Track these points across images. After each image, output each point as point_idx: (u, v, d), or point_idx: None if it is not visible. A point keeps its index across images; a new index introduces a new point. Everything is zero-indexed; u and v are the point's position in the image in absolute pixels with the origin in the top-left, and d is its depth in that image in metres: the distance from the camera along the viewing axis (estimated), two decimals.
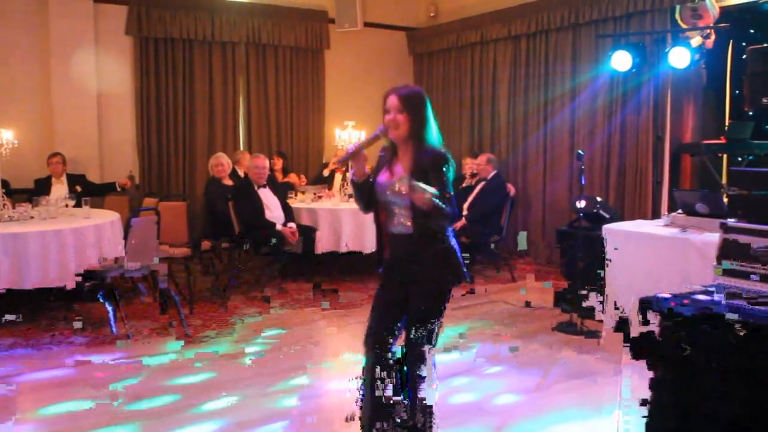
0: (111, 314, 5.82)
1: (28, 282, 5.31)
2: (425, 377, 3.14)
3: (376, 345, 3.17)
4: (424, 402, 3.15)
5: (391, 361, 3.18)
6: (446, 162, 3.04)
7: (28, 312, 5.92)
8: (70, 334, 5.40)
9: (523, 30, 8.69)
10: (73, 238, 5.53)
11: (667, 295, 2.92)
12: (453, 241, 3.13)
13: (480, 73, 9.55)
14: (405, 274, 3.13)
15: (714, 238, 3.09)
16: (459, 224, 7.38)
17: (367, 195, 3.20)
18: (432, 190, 2.91)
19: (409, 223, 3.07)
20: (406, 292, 3.14)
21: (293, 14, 9.42)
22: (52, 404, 4.04)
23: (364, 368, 3.22)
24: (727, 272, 2.74)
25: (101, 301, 6.17)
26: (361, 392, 3.22)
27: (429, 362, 3.15)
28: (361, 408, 3.23)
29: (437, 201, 2.92)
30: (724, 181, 6.98)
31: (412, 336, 3.12)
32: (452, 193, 3.04)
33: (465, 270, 3.14)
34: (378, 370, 3.15)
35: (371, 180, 3.18)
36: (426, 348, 3.12)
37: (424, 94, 3.12)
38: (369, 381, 3.18)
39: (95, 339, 5.31)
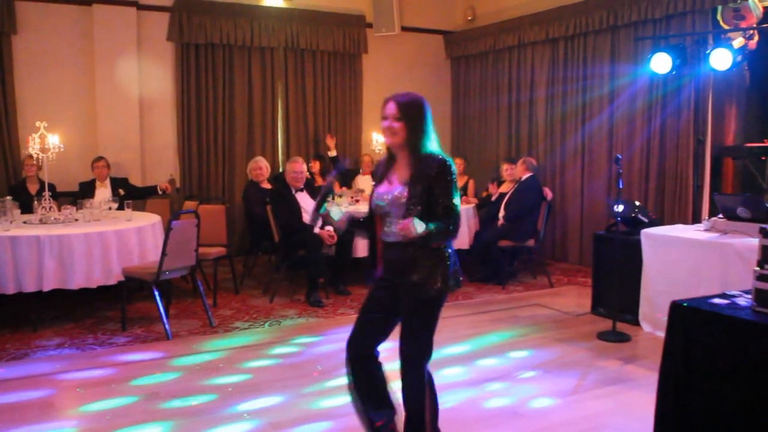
0: (151, 315, 5.95)
1: (73, 282, 5.51)
2: (420, 392, 3.07)
3: (353, 356, 3.14)
4: (417, 416, 3.08)
5: (372, 372, 3.15)
6: (450, 170, 2.96)
7: (73, 312, 6.09)
8: (112, 334, 5.53)
9: (561, 33, 8.64)
10: (116, 240, 5.71)
11: (703, 300, 2.89)
12: (449, 250, 3.03)
13: (517, 76, 9.51)
14: (396, 278, 3.06)
15: (756, 242, 3.03)
16: (498, 224, 7.43)
17: (364, 230, 3.25)
18: (421, 228, 2.85)
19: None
20: (396, 299, 3.08)
21: (331, 19, 9.51)
22: (93, 402, 4.14)
23: (348, 385, 3.21)
24: (764, 278, 2.69)
25: (142, 301, 6.33)
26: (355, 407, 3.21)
27: (422, 376, 3.07)
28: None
29: (424, 228, 2.86)
30: (767, 185, 6.84)
31: (403, 348, 3.06)
32: (457, 201, 2.98)
33: (458, 278, 3.04)
34: (360, 385, 3.15)
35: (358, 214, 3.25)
36: (419, 361, 3.06)
37: (423, 103, 3.03)
38: (355, 398, 3.18)
39: (136, 339, 5.42)
